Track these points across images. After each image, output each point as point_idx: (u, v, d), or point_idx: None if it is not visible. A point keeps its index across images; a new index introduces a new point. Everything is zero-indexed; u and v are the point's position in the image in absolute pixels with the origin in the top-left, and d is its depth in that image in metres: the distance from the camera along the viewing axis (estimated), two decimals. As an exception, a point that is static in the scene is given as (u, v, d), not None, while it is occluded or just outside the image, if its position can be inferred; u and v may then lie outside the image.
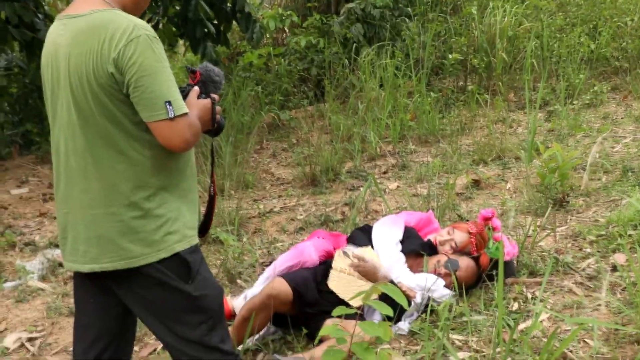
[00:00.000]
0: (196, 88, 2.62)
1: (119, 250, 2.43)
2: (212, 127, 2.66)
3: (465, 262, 4.23)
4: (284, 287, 3.76)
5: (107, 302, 2.63)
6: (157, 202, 2.46)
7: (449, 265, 4.16)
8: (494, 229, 4.42)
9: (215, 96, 2.67)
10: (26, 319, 4.53)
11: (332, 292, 3.91)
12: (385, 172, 7.12)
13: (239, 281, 4.74)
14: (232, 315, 4.00)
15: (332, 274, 4.04)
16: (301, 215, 6.11)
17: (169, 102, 2.32)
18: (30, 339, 4.27)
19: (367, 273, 3.95)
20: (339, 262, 4.11)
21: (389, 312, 3.02)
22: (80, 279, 2.64)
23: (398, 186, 6.60)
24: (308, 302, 3.82)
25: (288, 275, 3.94)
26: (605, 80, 9.32)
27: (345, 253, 4.06)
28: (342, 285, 3.95)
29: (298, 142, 8.35)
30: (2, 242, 5.80)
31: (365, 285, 3.87)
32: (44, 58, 2.54)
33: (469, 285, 4.22)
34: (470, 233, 4.36)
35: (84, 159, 2.43)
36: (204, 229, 2.80)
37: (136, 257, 2.43)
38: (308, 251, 4.23)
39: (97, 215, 2.44)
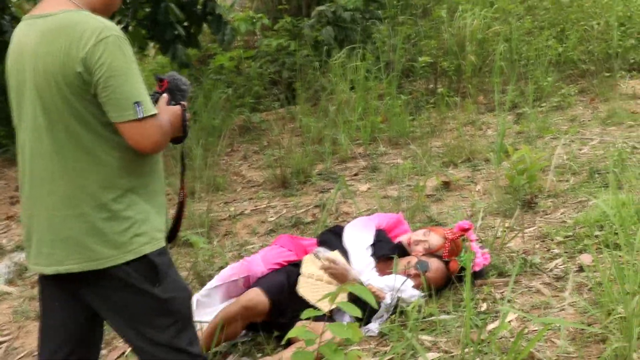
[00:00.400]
0: (165, 95, 2.65)
1: (85, 251, 2.43)
2: (183, 133, 2.67)
3: (435, 264, 4.25)
4: (261, 299, 3.76)
5: (74, 306, 2.61)
6: (126, 203, 2.46)
7: (419, 266, 4.18)
8: (469, 240, 4.43)
9: (185, 103, 2.68)
10: (-7, 323, 4.50)
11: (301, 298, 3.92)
12: (356, 174, 7.13)
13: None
14: None
15: (301, 280, 4.05)
16: (272, 217, 6.11)
17: (138, 103, 2.34)
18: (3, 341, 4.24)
19: (338, 276, 3.95)
20: (308, 267, 4.12)
21: (358, 313, 3.02)
22: (46, 282, 2.63)
23: (369, 188, 6.61)
24: (283, 311, 3.81)
25: (264, 284, 3.92)
26: (572, 83, 9.39)
27: (316, 255, 4.06)
28: (311, 291, 3.96)
29: (269, 144, 8.34)
30: (-33, 246, 5.76)
31: (334, 289, 3.88)
32: (9, 59, 2.53)
33: (438, 287, 4.24)
34: (446, 238, 4.38)
35: (50, 160, 2.42)
36: (172, 235, 2.79)
37: (103, 259, 2.43)
38: (255, 265, 4.22)
39: (64, 217, 2.44)
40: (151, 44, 9.90)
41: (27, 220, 2.57)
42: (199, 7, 9.25)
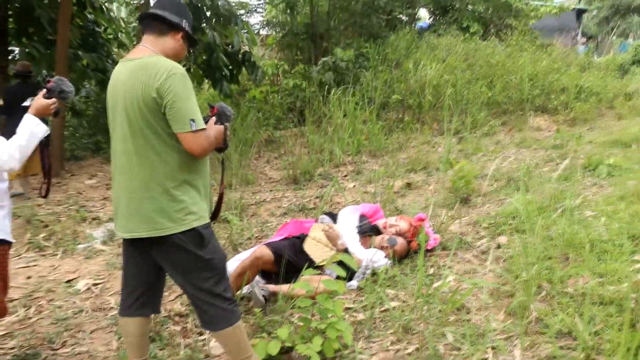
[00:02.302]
0: (213, 118, 2.67)
1: (152, 223, 2.45)
2: (224, 145, 2.68)
3: (400, 241, 4.27)
4: (266, 251, 3.79)
5: (144, 261, 2.64)
6: (182, 191, 2.47)
7: (389, 241, 4.21)
8: (424, 227, 4.44)
9: (227, 124, 2.69)
10: (92, 270, 4.51)
11: (305, 254, 3.91)
12: (345, 176, 7.13)
13: (239, 249, 4.73)
14: None
15: (308, 240, 4.06)
16: (285, 204, 6.11)
17: (193, 120, 2.38)
18: (95, 284, 4.25)
19: (332, 238, 3.98)
20: (315, 232, 4.14)
21: (342, 273, 3.04)
22: (127, 244, 2.65)
23: (354, 185, 6.61)
24: (285, 265, 3.80)
25: (269, 243, 3.94)
26: (497, 118, 9.40)
27: (321, 220, 4.08)
28: (314, 250, 3.97)
29: (285, 152, 8.34)
30: (77, 217, 5.77)
31: (330, 252, 3.89)
32: (109, 89, 2.59)
33: (401, 257, 4.24)
34: (411, 224, 4.40)
35: (131, 157, 2.46)
36: (214, 215, 2.80)
37: (165, 229, 2.45)
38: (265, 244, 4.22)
39: (139, 198, 2.46)
40: (206, 81, 9.91)
41: (115, 200, 2.60)
42: (239, 56, 9.27)
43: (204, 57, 9.07)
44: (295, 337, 2.97)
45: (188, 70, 9.52)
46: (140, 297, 2.69)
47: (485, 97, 9.53)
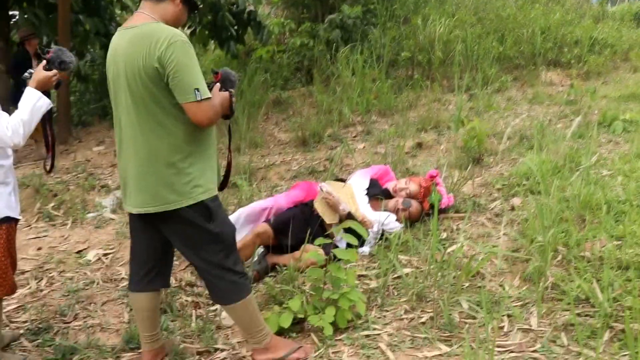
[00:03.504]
0: (218, 84, 2.56)
1: (159, 198, 2.38)
2: (230, 112, 2.58)
3: (415, 204, 4.19)
4: (266, 229, 3.75)
5: (153, 235, 2.58)
6: (188, 162, 2.39)
7: (404, 203, 4.14)
8: (436, 184, 4.34)
9: (232, 90, 2.59)
10: (102, 240, 4.48)
11: (316, 217, 3.86)
12: (355, 136, 7.00)
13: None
14: None
15: (318, 198, 3.99)
16: (295, 167, 6.01)
17: (197, 89, 2.28)
18: (105, 254, 4.22)
19: (331, 205, 3.90)
20: (326, 188, 4.09)
21: (354, 241, 2.96)
22: (134, 218, 2.59)
23: (364, 146, 6.49)
24: (287, 235, 3.72)
25: (272, 219, 3.88)
26: (509, 73, 9.18)
27: (321, 188, 3.98)
28: (324, 209, 3.90)
29: (293, 113, 8.19)
30: (86, 185, 5.72)
31: (338, 209, 3.84)
32: (108, 59, 2.49)
33: (414, 220, 4.17)
34: (420, 186, 4.29)
35: (134, 130, 2.38)
36: (223, 184, 2.72)
37: (172, 203, 2.38)
38: (280, 200, 4.15)
39: (145, 172, 2.39)
40: (212, 42, 9.73)
41: (121, 173, 2.53)
42: (245, 15, 9.05)
43: (209, 18, 8.86)
44: (308, 307, 2.92)
45: (193, 32, 9.32)
46: (150, 271, 2.64)
47: (496, 52, 9.27)
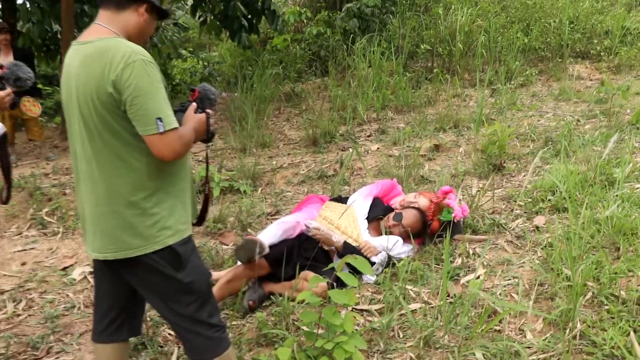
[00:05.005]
0: (194, 104, 2.15)
1: (119, 242, 1.99)
2: (207, 137, 2.18)
3: (407, 213, 3.74)
4: (262, 264, 3.32)
5: (117, 282, 2.20)
6: (154, 201, 1.99)
7: (394, 218, 3.72)
8: (447, 205, 3.88)
9: (210, 111, 2.19)
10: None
11: (315, 242, 3.49)
12: (369, 136, 6.57)
13: (249, 230, 4.29)
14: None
15: (317, 219, 3.70)
16: (303, 170, 5.61)
17: (160, 119, 1.86)
18: (91, 272, 3.87)
19: (324, 240, 3.48)
20: (326, 212, 3.82)
21: (354, 283, 2.56)
22: (96, 262, 2.21)
23: (378, 148, 6.07)
24: (285, 264, 3.35)
25: (269, 255, 3.38)
26: (534, 66, 8.65)
27: (307, 226, 3.54)
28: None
29: (306, 109, 7.79)
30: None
31: (332, 243, 3.47)
32: (62, 79, 2.07)
33: (417, 230, 3.72)
34: (431, 201, 3.85)
35: (90, 164, 1.98)
36: (200, 220, 2.33)
37: (134, 249, 1.99)
38: (311, 211, 3.84)
39: (102, 213, 1.99)
40: (223, 32, 9.33)
41: (80, 212, 2.15)
42: (258, 3, 8.64)
43: (221, 7, 8.45)
44: (299, 355, 2.55)
45: (204, 22, 8.92)
46: (115, 319, 2.27)
47: (521, 43, 8.74)
